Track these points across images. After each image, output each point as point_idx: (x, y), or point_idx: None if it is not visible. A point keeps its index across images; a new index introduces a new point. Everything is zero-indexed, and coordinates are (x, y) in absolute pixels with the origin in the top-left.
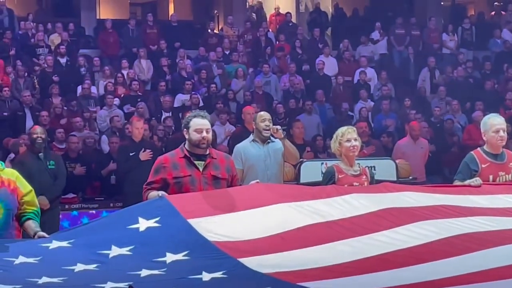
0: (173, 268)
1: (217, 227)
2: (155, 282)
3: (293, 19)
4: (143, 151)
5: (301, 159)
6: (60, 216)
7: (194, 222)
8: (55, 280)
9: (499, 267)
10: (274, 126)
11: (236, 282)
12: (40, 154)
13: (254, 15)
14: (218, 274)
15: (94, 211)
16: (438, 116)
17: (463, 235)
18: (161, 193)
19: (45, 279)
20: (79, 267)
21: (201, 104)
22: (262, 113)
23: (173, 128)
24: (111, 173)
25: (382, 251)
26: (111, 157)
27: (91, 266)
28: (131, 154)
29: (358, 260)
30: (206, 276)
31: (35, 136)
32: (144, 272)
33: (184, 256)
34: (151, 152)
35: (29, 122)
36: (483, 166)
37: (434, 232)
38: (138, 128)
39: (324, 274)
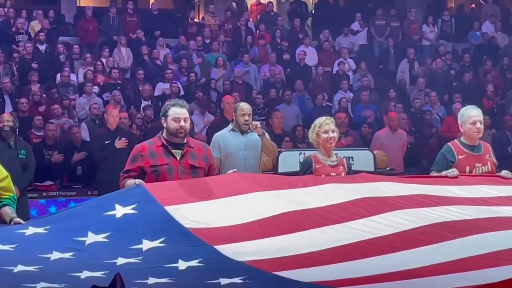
0: (149, 256)
1: (194, 214)
2: (132, 270)
3: (274, 9)
4: (119, 139)
5: (279, 149)
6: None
7: (171, 209)
8: (31, 268)
9: (474, 256)
10: (254, 122)
11: (212, 271)
12: (11, 143)
13: (234, 4)
14: (194, 263)
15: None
16: (417, 107)
17: (438, 224)
18: (138, 181)
19: (20, 267)
20: (55, 255)
21: (182, 93)
22: (243, 106)
23: (152, 117)
24: (77, 163)
25: (358, 239)
26: (76, 147)
27: (67, 255)
28: (106, 142)
29: (334, 248)
30: (182, 265)
31: (1, 124)
32: (120, 261)
33: (160, 243)
34: (127, 140)
35: (8, 108)
36: (460, 157)
37: (410, 221)
38: (114, 116)
39: (300, 262)
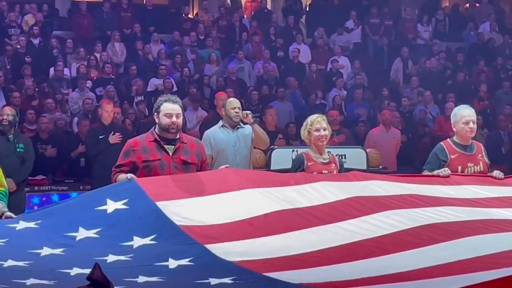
0: (139, 254)
1: (185, 211)
2: (122, 268)
3: (268, 6)
4: (113, 134)
5: (272, 146)
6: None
7: (162, 205)
8: (20, 263)
9: (464, 259)
10: (244, 111)
11: (202, 270)
12: (10, 136)
13: (229, 0)
14: (184, 262)
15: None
16: (410, 106)
17: (429, 226)
18: (130, 175)
19: (10, 262)
20: (46, 251)
21: (175, 88)
22: (231, 100)
23: (145, 112)
24: (81, 155)
25: (348, 240)
26: (80, 140)
27: (58, 250)
28: (100, 137)
29: (324, 249)
30: (172, 264)
31: (0, 118)
32: (111, 258)
33: (151, 240)
34: (121, 135)
35: (1, 102)
36: (452, 157)
37: (401, 222)
38: (108, 111)
39: (290, 263)
